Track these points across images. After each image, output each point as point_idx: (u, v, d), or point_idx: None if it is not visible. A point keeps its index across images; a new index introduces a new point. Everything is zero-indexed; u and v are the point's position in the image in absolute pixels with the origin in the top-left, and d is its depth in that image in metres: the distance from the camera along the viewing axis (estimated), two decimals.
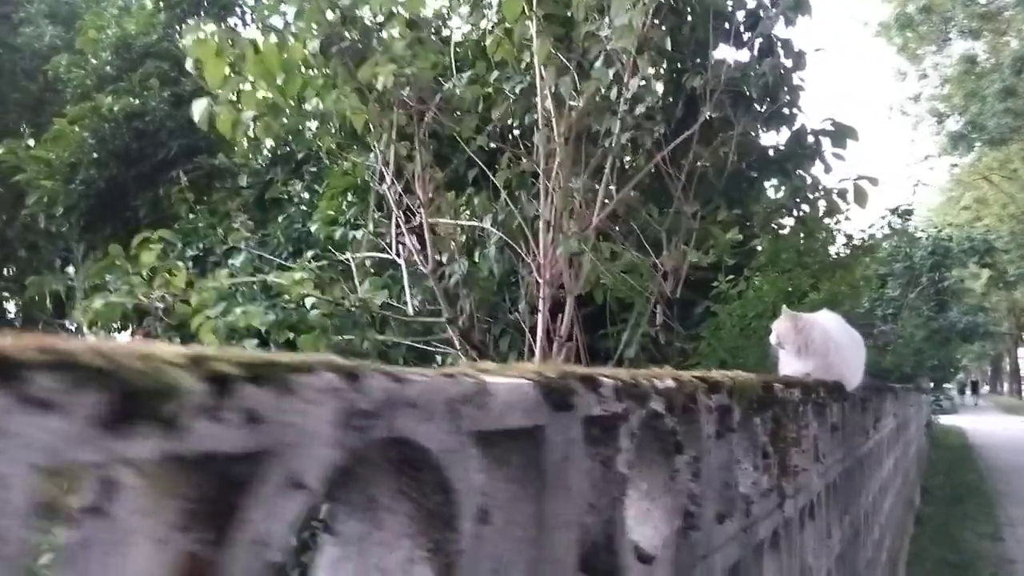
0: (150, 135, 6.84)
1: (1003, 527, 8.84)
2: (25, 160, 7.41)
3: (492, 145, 3.93)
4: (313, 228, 4.37)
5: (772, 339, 2.83)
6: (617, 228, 3.85)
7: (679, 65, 4.48)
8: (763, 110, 4.36)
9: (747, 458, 1.62)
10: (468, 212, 3.74)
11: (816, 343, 2.66)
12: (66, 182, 6.83)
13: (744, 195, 4.84)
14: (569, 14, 3.31)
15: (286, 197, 5.58)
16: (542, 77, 3.12)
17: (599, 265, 3.70)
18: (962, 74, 21.24)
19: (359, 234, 4.12)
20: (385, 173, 3.50)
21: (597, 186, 3.24)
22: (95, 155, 6.84)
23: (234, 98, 2.54)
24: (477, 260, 3.47)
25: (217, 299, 3.49)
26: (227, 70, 2.45)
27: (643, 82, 3.24)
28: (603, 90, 3.41)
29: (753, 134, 4.94)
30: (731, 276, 5.23)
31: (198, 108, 2.62)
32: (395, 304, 3.74)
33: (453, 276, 3.79)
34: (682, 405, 1.17)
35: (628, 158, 4.20)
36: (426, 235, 3.12)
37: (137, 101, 6.90)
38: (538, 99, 3.13)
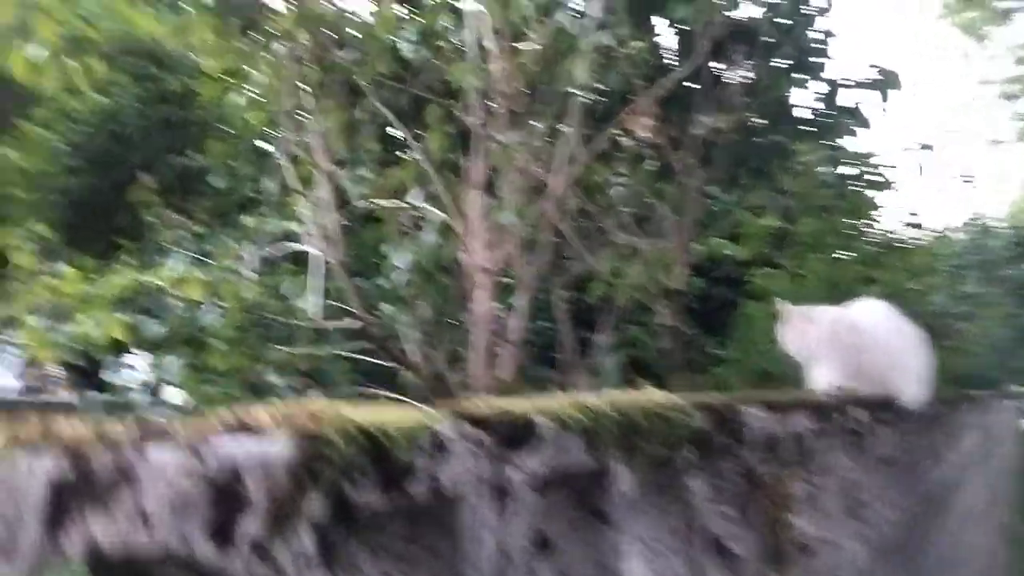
0: (126, 138, 6.33)
1: None
2: None
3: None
4: (249, 222, 3.72)
5: (787, 350, 2.00)
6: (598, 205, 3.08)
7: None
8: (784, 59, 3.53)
9: (662, 561, 0.83)
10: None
11: (843, 342, 1.84)
12: (46, 192, 6.35)
13: (770, 166, 3.98)
14: None
15: (255, 194, 4.93)
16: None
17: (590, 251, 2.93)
18: None
19: (296, 225, 3.44)
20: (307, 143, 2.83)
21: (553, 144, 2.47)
22: (69, 162, 6.35)
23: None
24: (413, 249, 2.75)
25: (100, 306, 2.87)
26: None
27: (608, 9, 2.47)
28: (566, 22, 2.67)
29: (785, 95, 4.10)
30: (768, 267, 4.41)
31: None
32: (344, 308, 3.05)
33: (399, 272, 3.08)
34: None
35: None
36: (333, 216, 2.41)
37: (108, 100, 6.38)
38: (467, 32, 2.39)
